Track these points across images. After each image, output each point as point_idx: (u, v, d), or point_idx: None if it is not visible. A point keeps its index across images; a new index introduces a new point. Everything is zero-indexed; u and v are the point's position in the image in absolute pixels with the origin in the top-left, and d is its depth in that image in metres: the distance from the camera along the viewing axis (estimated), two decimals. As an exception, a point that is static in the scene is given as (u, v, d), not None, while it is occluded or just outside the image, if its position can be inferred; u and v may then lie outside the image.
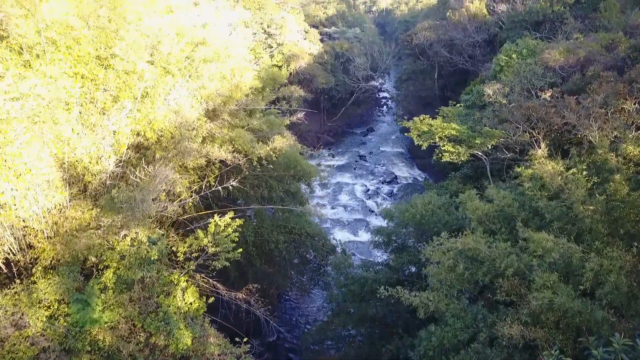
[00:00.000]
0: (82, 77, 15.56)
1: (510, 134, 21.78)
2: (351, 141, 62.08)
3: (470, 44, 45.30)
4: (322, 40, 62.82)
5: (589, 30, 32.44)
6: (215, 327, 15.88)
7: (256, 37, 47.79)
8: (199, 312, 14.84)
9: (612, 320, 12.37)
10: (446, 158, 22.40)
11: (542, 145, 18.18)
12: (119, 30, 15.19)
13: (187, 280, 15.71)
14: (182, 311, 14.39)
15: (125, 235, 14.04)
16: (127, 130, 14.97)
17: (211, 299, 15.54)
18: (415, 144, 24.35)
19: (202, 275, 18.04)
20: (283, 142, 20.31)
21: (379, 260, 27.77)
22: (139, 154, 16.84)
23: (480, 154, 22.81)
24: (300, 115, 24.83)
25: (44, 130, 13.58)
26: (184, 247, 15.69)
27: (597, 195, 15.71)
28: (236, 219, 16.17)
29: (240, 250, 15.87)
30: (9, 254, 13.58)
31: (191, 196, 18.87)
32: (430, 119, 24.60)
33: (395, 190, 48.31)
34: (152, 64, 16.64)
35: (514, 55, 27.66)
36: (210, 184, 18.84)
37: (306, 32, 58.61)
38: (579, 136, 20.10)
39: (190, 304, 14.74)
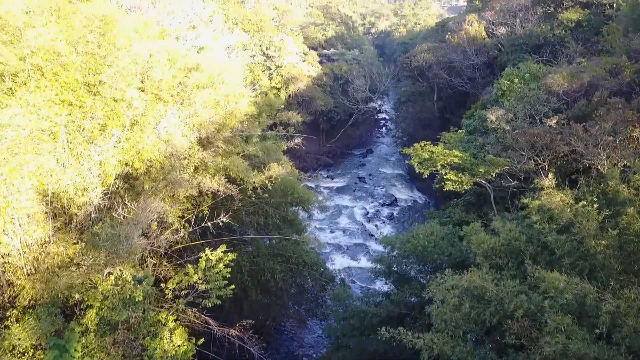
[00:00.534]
0: (70, 105, 14.92)
1: (514, 162, 21.07)
2: (350, 162, 61.48)
3: (469, 66, 45.01)
4: (321, 62, 62.72)
5: (591, 53, 32.04)
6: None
7: (255, 59, 47.57)
8: (188, 356, 13.89)
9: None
10: (449, 187, 21.67)
11: (550, 175, 17.43)
12: (107, 57, 14.58)
13: (176, 319, 14.82)
14: (169, 355, 13.45)
15: (109, 274, 13.20)
16: (114, 161, 14.23)
17: (201, 341, 14.61)
18: (417, 171, 23.60)
19: (194, 310, 17.14)
20: (279, 169, 19.63)
21: (380, 288, 26.83)
22: (127, 184, 16.10)
23: (483, 182, 22.07)
24: (298, 140, 24.13)
25: (25, 161, 12.86)
26: (172, 284, 14.84)
27: (609, 229, 14.90)
28: (229, 253, 15.36)
29: (233, 287, 15.08)
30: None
31: (184, 226, 18.11)
32: (431, 144, 23.91)
33: (395, 213, 47.47)
34: (142, 90, 16.02)
35: (516, 80, 27.14)
36: (203, 213, 18.14)
37: (305, 54, 58.50)
38: (587, 164, 19.40)
39: (179, 346, 13.81)
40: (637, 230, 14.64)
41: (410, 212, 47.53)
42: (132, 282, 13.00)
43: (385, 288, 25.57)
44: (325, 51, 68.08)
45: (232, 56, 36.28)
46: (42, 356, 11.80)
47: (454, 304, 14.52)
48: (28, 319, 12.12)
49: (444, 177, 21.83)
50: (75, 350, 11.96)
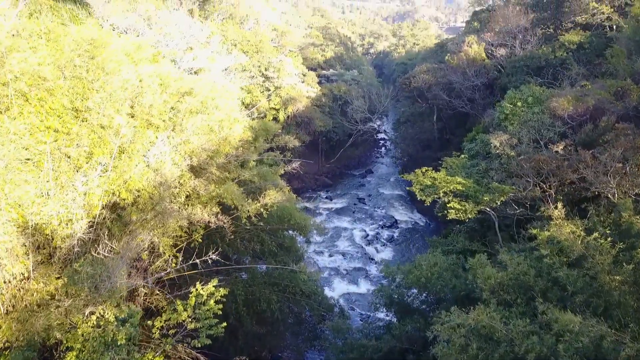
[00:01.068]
0: (55, 132, 14.20)
1: (520, 189, 20.30)
2: (350, 183, 60.73)
3: (469, 87, 44.59)
4: (320, 83, 62.43)
5: (594, 76, 31.57)
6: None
7: (254, 80, 47.15)
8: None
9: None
10: (452, 215, 20.83)
11: (559, 204, 16.64)
12: (95, 82, 13.91)
13: (165, 357, 13.87)
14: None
15: (91, 313, 12.29)
16: (99, 191, 13.44)
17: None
18: (418, 198, 22.79)
19: (184, 345, 16.16)
20: (276, 196, 18.81)
21: (380, 317, 25.77)
22: (115, 214, 15.28)
23: (488, 209, 21.25)
24: (296, 165, 23.40)
25: (4, 194, 12.09)
26: (160, 322, 13.89)
27: (624, 263, 14.06)
28: (220, 288, 14.44)
29: (225, 324, 14.09)
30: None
31: (175, 256, 17.26)
32: (432, 170, 23.14)
33: (395, 235, 46.51)
34: (132, 116, 15.32)
35: (519, 103, 26.54)
36: (196, 241, 17.33)
37: (304, 75, 58.21)
38: (595, 192, 18.63)
39: (165, 391, 12.84)
40: (654, 265, 13.82)
41: (410, 234, 46.58)
42: (115, 323, 12.08)
43: (387, 317, 24.57)
44: (324, 72, 67.92)
45: (230, 78, 35.79)
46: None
47: (460, 344, 13.60)
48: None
49: (447, 205, 21.00)
50: (50, 399, 11.00)
